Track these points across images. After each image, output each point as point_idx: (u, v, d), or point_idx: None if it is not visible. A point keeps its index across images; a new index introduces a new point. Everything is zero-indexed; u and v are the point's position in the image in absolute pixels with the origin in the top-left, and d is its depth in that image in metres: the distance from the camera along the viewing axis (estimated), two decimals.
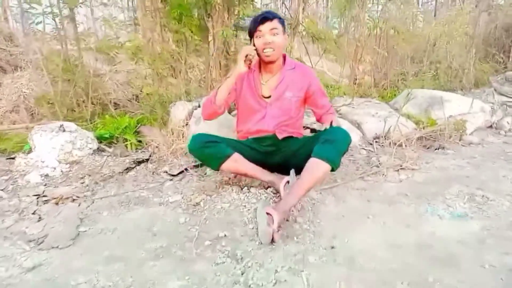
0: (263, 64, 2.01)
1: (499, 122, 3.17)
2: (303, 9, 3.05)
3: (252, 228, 1.62)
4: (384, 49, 3.53)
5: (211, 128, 2.42)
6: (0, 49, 5.63)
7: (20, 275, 1.34)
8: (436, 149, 2.67)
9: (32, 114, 4.14)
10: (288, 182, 1.85)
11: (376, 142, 2.74)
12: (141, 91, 3.56)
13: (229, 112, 2.76)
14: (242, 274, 1.29)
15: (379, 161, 2.36)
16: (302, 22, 3.08)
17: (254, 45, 1.89)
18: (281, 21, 1.90)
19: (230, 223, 1.68)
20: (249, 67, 1.88)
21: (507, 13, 4.85)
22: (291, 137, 2.05)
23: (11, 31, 5.81)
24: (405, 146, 2.63)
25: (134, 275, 1.30)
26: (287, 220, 1.66)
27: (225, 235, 1.58)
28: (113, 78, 4.09)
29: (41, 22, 3.12)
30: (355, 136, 2.74)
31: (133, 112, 2.95)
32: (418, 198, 1.90)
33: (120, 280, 1.28)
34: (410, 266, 1.31)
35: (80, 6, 2.91)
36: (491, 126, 3.20)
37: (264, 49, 1.87)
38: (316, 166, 1.72)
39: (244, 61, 1.84)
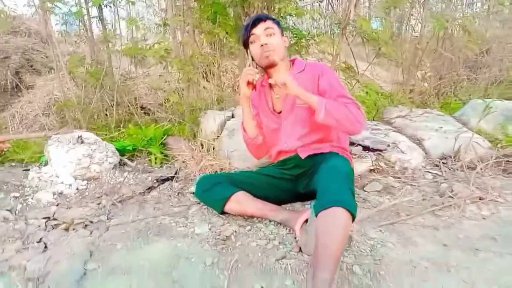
0: (269, 76, 1.80)
1: None
2: (354, 6, 2.70)
3: (294, 283, 1.30)
4: (450, 52, 3.10)
5: None
6: (36, 51, 5.72)
7: None
8: None
9: (63, 118, 4.06)
10: (306, 221, 1.51)
11: (443, 164, 2.33)
12: (167, 99, 3.37)
13: None
14: None
15: (452, 190, 1.95)
16: (354, 21, 2.73)
17: (250, 55, 1.78)
18: (276, 21, 1.78)
19: (267, 270, 1.37)
20: (254, 89, 1.81)
21: None
22: (320, 153, 1.71)
23: (49, 32, 5.88)
24: (481, 169, 2.21)
25: None
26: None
27: (261, 287, 1.27)
28: (143, 82, 3.93)
29: (66, 23, 2.99)
30: (417, 157, 2.35)
31: (161, 120, 2.73)
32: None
33: None
34: None
35: (105, 5, 2.76)
36: None
37: (262, 52, 1.71)
38: (334, 218, 1.28)
39: (247, 84, 1.75)
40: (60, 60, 3.05)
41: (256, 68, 1.81)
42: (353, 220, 1.34)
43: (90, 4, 2.89)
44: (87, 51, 3.10)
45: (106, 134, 2.64)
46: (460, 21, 3.02)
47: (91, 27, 3.18)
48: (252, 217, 1.73)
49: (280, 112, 1.83)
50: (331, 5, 3.30)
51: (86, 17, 3.05)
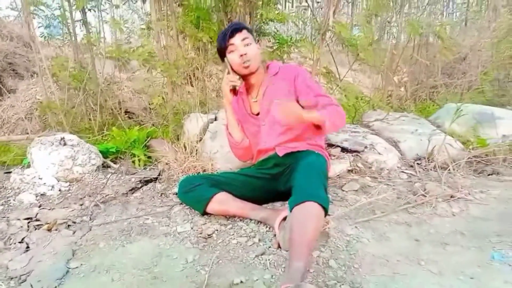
0: (246, 81, 1.89)
1: None
2: (333, 12, 2.79)
3: (272, 277, 1.34)
4: (424, 58, 3.22)
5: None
6: (18, 54, 5.65)
7: None
8: (489, 174, 2.33)
9: (45, 122, 4.02)
10: (285, 218, 1.55)
11: (418, 164, 2.43)
12: (150, 103, 3.39)
13: None
14: None
15: (425, 189, 2.04)
16: (332, 28, 2.82)
17: (228, 63, 1.81)
18: (249, 30, 1.85)
19: (247, 266, 1.41)
20: (235, 94, 1.89)
21: None
22: (297, 152, 1.77)
23: (31, 36, 5.81)
24: (453, 169, 2.31)
25: None
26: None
27: (241, 281, 1.31)
28: (127, 86, 3.94)
29: (49, 26, 2.99)
30: (393, 158, 2.44)
31: (145, 124, 2.75)
32: (479, 239, 1.58)
33: None
34: None
35: (89, 9, 2.77)
36: None
37: (242, 62, 1.77)
38: (306, 211, 1.36)
39: (230, 90, 1.84)
40: (43, 63, 3.04)
41: (235, 74, 1.87)
42: (325, 214, 1.41)
43: (74, 7, 2.89)
44: (71, 54, 3.09)
45: (89, 137, 2.65)
46: (436, 28, 3.15)
47: (75, 30, 3.18)
48: (233, 216, 1.77)
49: (258, 114, 1.90)
50: (312, 12, 3.38)
51: (69, 21, 3.05)
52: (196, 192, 1.76)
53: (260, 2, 2.84)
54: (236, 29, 1.77)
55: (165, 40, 2.77)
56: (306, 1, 3.17)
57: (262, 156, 1.87)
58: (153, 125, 2.77)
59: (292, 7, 3.19)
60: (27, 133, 3.51)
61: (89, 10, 3.02)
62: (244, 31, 1.78)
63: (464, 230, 1.66)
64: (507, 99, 3.42)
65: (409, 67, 3.55)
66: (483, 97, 3.35)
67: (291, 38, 3.33)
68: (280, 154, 1.78)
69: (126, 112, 3.71)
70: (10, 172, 2.37)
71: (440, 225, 1.72)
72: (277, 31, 3.39)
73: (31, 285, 1.33)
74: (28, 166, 2.34)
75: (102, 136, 2.72)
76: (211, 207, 1.73)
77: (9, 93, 4.88)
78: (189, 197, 1.81)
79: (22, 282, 1.37)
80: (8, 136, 2.86)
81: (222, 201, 1.73)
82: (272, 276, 1.35)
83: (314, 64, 3.07)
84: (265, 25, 2.97)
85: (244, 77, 1.87)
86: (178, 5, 3.06)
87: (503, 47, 3.15)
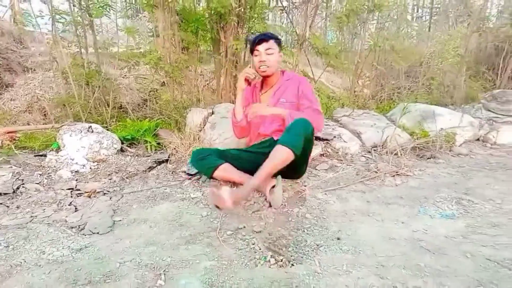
0: (263, 79, 2.30)
1: (485, 135, 3.42)
2: (310, 26, 3.30)
3: (265, 224, 1.83)
4: (383, 65, 3.78)
5: (228, 133, 2.64)
6: (10, 50, 5.84)
7: (71, 255, 1.54)
8: (428, 158, 2.90)
9: (45, 114, 4.32)
10: (273, 186, 1.99)
11: (374, 150, 2.98)
12: (156, 97, 3.76)
13: None
14: (263, 257, 1.50)
15: (377, 167, 2.59)
16: (308, 38, 3.32)
17: (252, 62, 2.18)
18: (278, 41, 2.19)
19: (247, 218, 1.89)
20: (249, 84, 2.23)
21: (496, 34, 5.15)
22: None
23: (20, 33, 6.02)
24: (401, 154, 2.87)
25: (171, 256, 1.51)
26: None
27: (244, 227, 1.80)
28: (130, 84, 4.30)
29: (66, 31, 3.32)
30: (355, 146, 2.98)
31: (153, 116, 3.16)
32: (412, 200, 2.12)
33: (160, 259, 1.49)
34: (404, 254, 1.53)
35: (106, 15, 3.13)
36: (478, 139, 3.45)
37: (259, 66, 2.16)
38: (276, 152, 1.84)
39: (245, 80, 2.18)
40: (57, 61, 3.38)
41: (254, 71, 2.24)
42: (295, 156, 1.83)
43: (93, 16, 3.25)
44: (79, 54, 3.43)
45: (105, 127, 3.04)
46: (392, 41, 3.72)
47: (85, 34, 3.53)
48: (233, 183, 2.22)
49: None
50: (291, 24, 3.86)
51: (83, 26, 3.40)
52: (207, 160, 2.12)
53: (248, 16, 3.30)
54: (263, 39, 2.13)
55: (169, 45, 3.19)
56: (288, 15, 3.63)
57: (260, 139, 2.28)
58: (159, 118, 3.18)
59: (275, 20, 3.65)
60: (29, 124, 3.83)
61: (102, 17, 3.37)
62: (271, 42, 2.13)
63: (402, 195, 2.20)
64: (449, 100, 4.04)
65: (372, 72, 4.11)
66: (430, 97, 3.95)
67: None
68: (275, 138, 2.22)
69: (124, 107, 4.08)
70: (41, 155, 2.75)
71: (386, 192, 2.26)
72: None
73: (90, 231, 1.77)
74: (58, 150, 2.72)
75: (116, 125, 3.11)
76: (217, 173, 2.09)
77: (6, 87, 5.11)
78: (200, 164, 2.11)
79: (81, 229, 1.79)
80: (36, 125, 3.20)
81: (226, 170, 2.09)
82: (265, 223, 1.83)
83: (293, 68, 3.58)
84: (253, 34, 3.41)
85: (262, 76, 2.27)
86: (178, 16, 3.47)
87: (445, 56, 3.74)
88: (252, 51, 2.21)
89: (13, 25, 6.23)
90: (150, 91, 4.35)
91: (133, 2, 3.40)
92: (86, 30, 3.45)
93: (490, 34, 5.23)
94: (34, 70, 5.19)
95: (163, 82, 3.40)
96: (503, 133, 3.40)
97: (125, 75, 4.47)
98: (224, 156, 2.15)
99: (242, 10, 3.07)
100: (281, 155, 1.83)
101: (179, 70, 2.99)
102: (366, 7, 3.27)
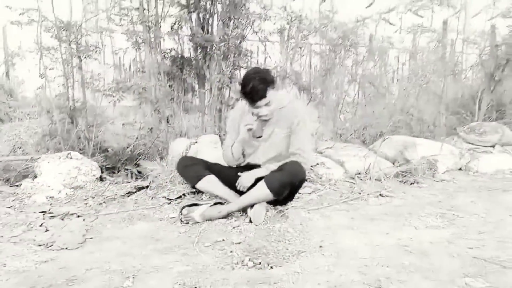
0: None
1: (467, 164, 3.46)
2: (290, 63, 3.46)
3: (246, 237, 1.75)
4: (363, 102, 3.94)
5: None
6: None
7: (35, 265, 1.43)
8: (411, 183, 2.90)
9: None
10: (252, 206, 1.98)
11: (358, 177, 2.97)
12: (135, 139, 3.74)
13: None
14: (241, 261, 1.42)
15: (361, 189, 2.57)
16: (290, 74, 3.46)
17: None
18: (273, 85, 2.02)
19: (227, 232, 1.82)
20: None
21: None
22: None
23: (11, 87, 6.18)
24: (384, 179, 2.86)
25: (142, 263, 1.42)
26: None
27: (223, 240, 1.72)
28: (115, 121, 4.32)
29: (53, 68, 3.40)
30: (338, 172, 2.97)
31: (135, 147, 3.15)
32: (396, 216, 2.08)
33: (129, 265, 1.39)
34: (388, 256, 1.47)
35: (90, 57, 3.24)
36: (460, 169, 3.48)
37: (261, 117, 2.08)
38: (258, 190, 1.95)
39: (248, 130, 2.11)
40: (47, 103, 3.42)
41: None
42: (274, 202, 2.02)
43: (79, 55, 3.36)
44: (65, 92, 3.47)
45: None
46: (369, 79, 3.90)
47: (73, 73, 3.61)
48: (217, 196, 2.14)
49: (259, 137, 2.22)
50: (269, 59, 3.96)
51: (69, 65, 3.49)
52: (193, 169, 2.11)
53: (233, 54, 3.46)
54: (257, 96, 1.97)
55: (154, 80, 3.28)
56: (267, 55, 3.82)
57: (250, 163, 2.24)
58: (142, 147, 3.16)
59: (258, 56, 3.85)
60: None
61: (88, 57, 3.47)
62: (264, 98, 1.98)
63: (387, 212, 2.16)
64: (428, 134, 4.15)
65: (352, 109, 4.26)
66: (410, 131, 4.06)
67: None
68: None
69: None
70: (16, 185, 2.66)
71: (370, 210, 2.21)
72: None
73: (59, 247, 1.66)
74: (34, 178, 2.64)
75: (95, 159, 3.07)
76: (202, 184, 2.07)
77: None
78: (186, 171, 2.13)
79: (50, 246, 1.68)
80: (14, 156, 3.13)
81: (210, 182, 2.08)
82: (245, 236, 1.76)
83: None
84: (238, 69, 3.55)
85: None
86: (165, 56, 3.62)
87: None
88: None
89: (6, 79, 6.36)
90: (136, 138, 4.36)
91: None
92: (74, 69, 3.54)
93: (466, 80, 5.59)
94: (21, 119, 5.23)
95: (151, 128, 3.42)
96: (484, 162, 3.45)
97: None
98: (210, 168, 2.12)
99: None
100: (262, 195, 1.95)
101: (163, 102, 3.04)
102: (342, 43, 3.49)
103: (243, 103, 2.18)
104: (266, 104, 2.02)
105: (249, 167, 2.22)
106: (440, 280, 1.23)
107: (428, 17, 4.98)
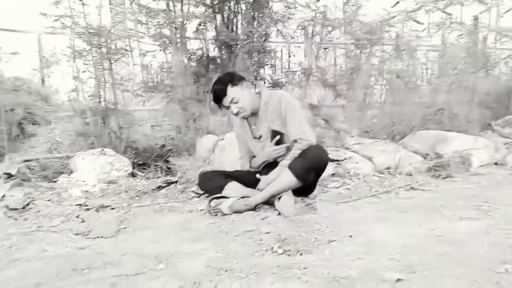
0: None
1: (503, 159, 3.32)
2: (315, 58, 3.44)
3: (274, 228, 1.76)
4: (392, 96, 3.86)
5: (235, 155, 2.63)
6: (36, 106, 6.27)
7: (75, 251, 1.50)
8: (444, 178, 2.81)
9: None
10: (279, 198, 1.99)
11: (387, 171, 2.91)
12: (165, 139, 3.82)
13: None
14: (270, 248, 1.43)
15: (391, 183, 2.51)
16: (316, 71, 3.45)
17: None
18: (235, 83, 2.04)
19: (256, 223, 1.83)
20: None
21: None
22: None
23: (47, 93, 6.51)
24: (415, 174, 2.79)
25: (174, 249, 1.45)
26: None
27: (251, 230, 1.73)
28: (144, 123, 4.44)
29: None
30: (367, 167, 2.92)
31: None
32: (429, 208, 2.02)
33: (162, 251, 1.43)
34: (420, 245, 1.43)
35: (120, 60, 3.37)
36: (495, 163, 3.34)
37: (238, 115, 2.12)
38: (284, 176, 1.97)
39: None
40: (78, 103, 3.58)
41: None
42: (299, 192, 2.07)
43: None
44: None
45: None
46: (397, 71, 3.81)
47: (104, 75, 3.75)
48: None
49: (260, 137, 2.24)
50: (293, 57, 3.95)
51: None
52: (214, 180, 2.18)
53: (258, 52, 3.48)
54: (219, 97, 2.05)
55: (181, 80, 3.35)
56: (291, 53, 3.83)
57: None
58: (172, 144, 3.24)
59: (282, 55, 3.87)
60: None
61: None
62: (230, 92, 2.02)
63: (419, 205, 2.11)
64: (461, 128, 4.00)
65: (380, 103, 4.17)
66: (441, 126, 3.93)
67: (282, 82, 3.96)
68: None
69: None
70: (54, 182, 2.78)
71: (401, 203, 2.16)
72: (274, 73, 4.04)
73: (95, 235, 1.73)
74: (70, 173, 2.76)
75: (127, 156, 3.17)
76: (226, 192, 2.10)
77: (29, 138, 5.39)
78: (208, 184, 2.20)
79: (87, 235, 1.75)
80: (51, 154, 3.29)
81: (234, 188, 2.12)
82: (274, 227, 1.76)
83: (301, 100, 3.67)
84: (261, 68, 3.58)
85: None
86: (191, 56, 3.70)
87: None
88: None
89: (42, 86, 6.69)
90: (165, 138, 4.47)
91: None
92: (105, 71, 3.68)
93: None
94: (56, 122, 5.51)
95: (178, 127, 3.50)
96: None
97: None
98: (230, 177, 2.18)
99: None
100: (288, 183, 1.96)
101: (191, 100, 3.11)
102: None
103: (236, 118, 2.21)
104: (233, 102, 2.05)
105: (265, 166, 2.23)
106: (477, 266, 1.19)
107: (457, 14, 4.85)
